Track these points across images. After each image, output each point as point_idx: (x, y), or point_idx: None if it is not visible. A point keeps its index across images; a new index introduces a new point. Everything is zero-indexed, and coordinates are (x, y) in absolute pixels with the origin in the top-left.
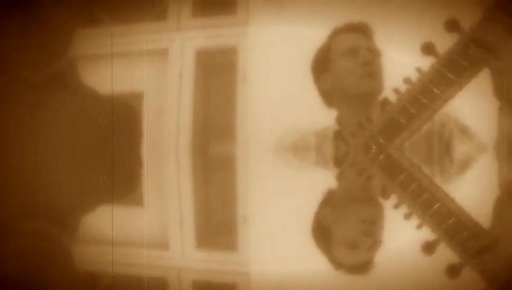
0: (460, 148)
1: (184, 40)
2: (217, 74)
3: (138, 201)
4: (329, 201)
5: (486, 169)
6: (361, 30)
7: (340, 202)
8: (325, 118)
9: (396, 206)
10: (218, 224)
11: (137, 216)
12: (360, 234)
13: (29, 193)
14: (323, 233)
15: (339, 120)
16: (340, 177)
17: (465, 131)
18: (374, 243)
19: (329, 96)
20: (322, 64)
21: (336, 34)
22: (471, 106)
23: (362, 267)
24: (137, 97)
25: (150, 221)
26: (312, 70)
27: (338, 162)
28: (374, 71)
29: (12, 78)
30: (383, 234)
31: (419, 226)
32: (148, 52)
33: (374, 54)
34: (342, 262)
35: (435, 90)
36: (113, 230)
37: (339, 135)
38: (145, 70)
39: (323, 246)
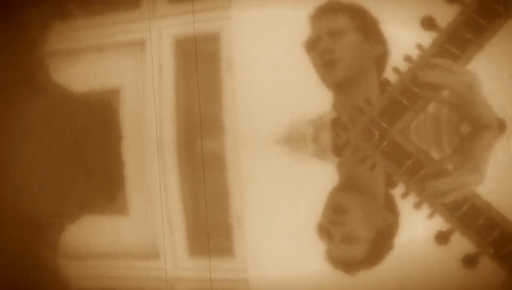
0: (470, 129)
1: (161, 29)
2: (200, 63)
3: (122, 208)
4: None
5: (501, 150)
6: (331, 10)
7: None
8: (320, 103)
9: (404, 196)
10: (211, 228)
11: (122, 225)
12: (329, 223)
13: (7, 201)
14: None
15: (336, 106)
16: (340, 167)
17: (475, 109)
18: (347, 235)
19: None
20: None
21: (314, 20)
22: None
23: (345, 263)
24: (114, 93)
25: (136, 229)
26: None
27: (338, 151)
28: (334, 58)
29: None
30: (363, 230)
31: (430, 216)
32: (123, 44)
33: (336, 37)
34: (330, 254)
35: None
36: (97, 241)
37: (337, 123)
38: (121, 64)
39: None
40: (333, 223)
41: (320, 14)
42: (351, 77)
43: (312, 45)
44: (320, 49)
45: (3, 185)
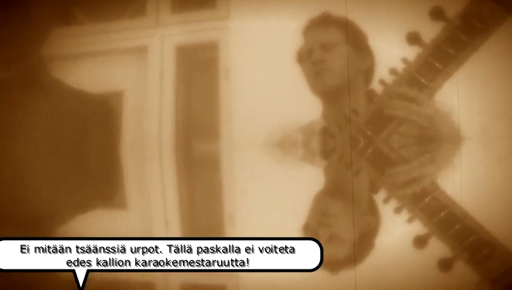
0: (446, 139)
1: (164, 36)
2: (199, 70)
3: (121, 203)
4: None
5: (474, 159)
6: (323, 23)
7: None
8: (310, 112)
9: (385, 201)
10: (204, 225)
11: (119, 218)
12: (317, 224)
13: (6, 199)
14: None
15: (325, 116)
16: (327, 171)
17: (451, 121)
18: (332, 236)
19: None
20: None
21: (305, 32)
22: (458, 94)
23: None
24: (117, 96)
25: (133, 224)
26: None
27: (325, 156)
28: (325, 68)
29: None
30: (346, 232)
31: (410, 220)
32: (127, 49)
33: (328, 49)
34: None
35: (422, 80)
36: (93, 231)
37: (325, 131)
38: (125, 69)
39: None
40: (321, 225)
41: (314, 26)
42: (340, 86)
43: (305, 55)
44: (313, 60)
45: (2, 182)
